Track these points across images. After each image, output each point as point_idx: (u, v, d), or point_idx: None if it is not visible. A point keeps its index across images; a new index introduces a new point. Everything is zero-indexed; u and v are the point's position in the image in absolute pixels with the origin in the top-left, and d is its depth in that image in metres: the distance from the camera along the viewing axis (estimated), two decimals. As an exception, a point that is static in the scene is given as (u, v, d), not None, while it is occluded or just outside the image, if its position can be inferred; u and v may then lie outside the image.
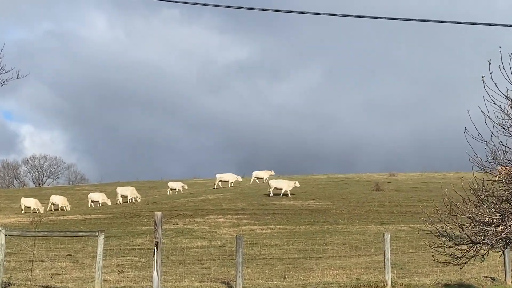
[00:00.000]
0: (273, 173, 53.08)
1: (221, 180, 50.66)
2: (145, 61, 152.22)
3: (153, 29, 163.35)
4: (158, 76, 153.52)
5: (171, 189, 52.18)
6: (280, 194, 40.88)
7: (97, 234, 13.84)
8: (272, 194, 40.75)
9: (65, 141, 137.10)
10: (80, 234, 19.28)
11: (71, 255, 21.13)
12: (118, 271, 17.88)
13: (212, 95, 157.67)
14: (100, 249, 13.38)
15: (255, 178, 52.40)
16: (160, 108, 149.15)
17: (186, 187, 52.40)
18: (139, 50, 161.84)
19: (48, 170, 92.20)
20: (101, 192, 49.89)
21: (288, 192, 41.28)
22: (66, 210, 44.29)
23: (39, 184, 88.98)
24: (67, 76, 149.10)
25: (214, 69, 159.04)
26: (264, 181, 51.85)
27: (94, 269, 14.24)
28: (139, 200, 46.07)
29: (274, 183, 41.89)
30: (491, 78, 9.33)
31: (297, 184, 42.68)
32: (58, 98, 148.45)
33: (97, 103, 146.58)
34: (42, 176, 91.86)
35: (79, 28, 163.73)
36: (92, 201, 46.32)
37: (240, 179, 51.68)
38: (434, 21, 10.58)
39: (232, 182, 50.65)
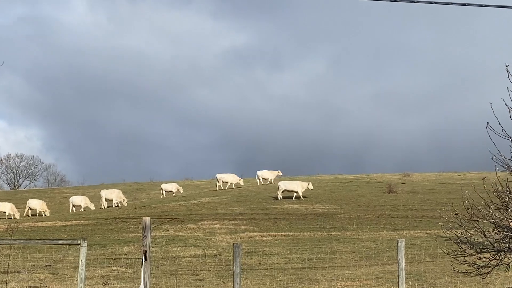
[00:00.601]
0: (280, 173, 53.20)
1: (222, 181, 50.72)
2: (131, 49, 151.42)
3: (139, 14, 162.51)
4: (145, 66, 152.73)
5: (165, 191, 52.26)
6: (293, 197, 40.89)
7: (79, 242, 13.81)
8: (281, 197, 40.77)
9: (42, 138, 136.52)
10: (61, 242, 19.23)
11: (50, 265, 21.12)
12: (103, 283, 17.88)
13: (206, 87, 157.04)
14: (82, 258, 13.36)
15: (260, 179, 52.48)
16: (148, 101, 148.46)
17: (182, 191, 52.47)
18: (123, 37, 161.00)
19: (25, 171, 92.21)
20: (83, 195, 49.89)
21: (301, 195, 41.27)
22: (45, 215, 44.30)
23: (15, 186, 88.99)
24: (43, 66, 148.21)
25: (208, 58, 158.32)
26: (268, 182, 51.98)
27: (76, 281, 14.22)
28: (125, 204, 46.11)
29: (284, 185, 41.77)
30: (516, 67, 9.29)
31: (310, 186, 42.64)
32: (34, 90, 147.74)
33: (78, 96, 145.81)
34: (18, 178, 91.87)
35: (56, 12, 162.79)
36: (74, 206, 46.31)
37: (242, 182, 51.79)
38: (452, 3, 10.55)
39: (232, 184, 50.68)
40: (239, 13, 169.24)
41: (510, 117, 9.60)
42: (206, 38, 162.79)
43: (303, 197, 40.97)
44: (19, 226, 31.50)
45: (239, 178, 51.83)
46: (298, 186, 41.80)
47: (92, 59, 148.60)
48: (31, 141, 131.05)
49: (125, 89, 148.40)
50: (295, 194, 41.35)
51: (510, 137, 9.73)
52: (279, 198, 40.69)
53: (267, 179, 52.70)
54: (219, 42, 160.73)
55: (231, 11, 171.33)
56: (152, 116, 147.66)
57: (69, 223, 35.43)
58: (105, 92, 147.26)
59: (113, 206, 45.83)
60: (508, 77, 9.32)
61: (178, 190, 52.49)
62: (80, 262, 13.35)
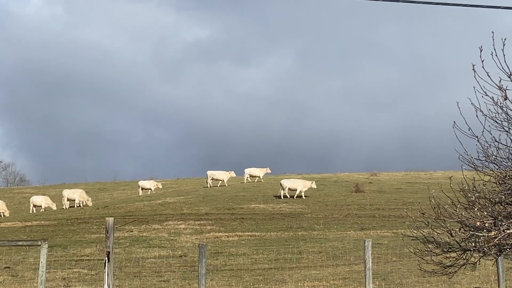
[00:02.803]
0: (269, 170, 53.32)
1: (212, 178, 50.49)
2: (89, 42, 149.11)
3: (98, 5, 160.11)
4: (105, 60, 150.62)
5: (142, 188, 51.92)
6: (294, 195, 40.91)
7: (39, 243, 13.64)
8: (283, 196, 40.78)
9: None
10: (20, 243, 19.00)
11: (9, 267, 20.82)
12: (64, 285, 17.69)
13: (169, 83, 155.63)
14: (43, 260, 13.20)
15: (248, 176, 52.44)
16: (108, 97, 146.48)
17: (161, 186, 52.15)
18: (81, 30, 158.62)
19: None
20: (44, 195, 49.28)
21: (302, 194, 41.30)
22: (4, 216, 43.63)
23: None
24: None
25: (170, 52, 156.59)
26: (257, 180, 52.00)
27: (36, 283, 14.05)
28: (90, 204, 45.70)
29: (287, 183, 41.73)
30: (483, 67, 9.40)
31: (314, 185, 42.67)
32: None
33: (34, 92, 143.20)
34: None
35: (10, 3, 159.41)
36: (34, 206, 45.73)
37: (233, 174, 51.60)
38: (422, 2, 10.66)
39: (225, 180, 50.41)
40: (203, 6, 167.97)
41: (476, 116, 9.72)
42: (169, 32, 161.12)
43: (305, 196, 41.01)
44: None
45: (229, 172, 51.42)
46: (300, 185, 41.78)
47: (48, 53, 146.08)
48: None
49: (84, 85, 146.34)
50: (296, 193, 41.30)
51: (477, 137, 9.85)
52: (282, 197, 40.68)
53: (256, 176, 52.66)
54: (182, 36, 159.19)
55: (194, 3, 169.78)
56: (112, 113, 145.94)
57: (29, 223, 34.96)
58: (63, 88, 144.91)
59: (75, 206, 45.35)
60: (475, 76, 9.43)
61: (156, 186, 52.17)
62: (40, 264, 13.18)
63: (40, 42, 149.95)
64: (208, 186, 50.07)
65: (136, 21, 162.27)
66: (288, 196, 40.99)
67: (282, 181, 42.49)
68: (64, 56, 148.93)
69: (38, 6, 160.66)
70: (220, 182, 50.56)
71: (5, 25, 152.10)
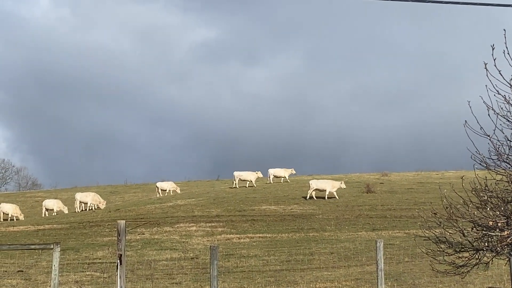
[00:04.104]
0: (294, 171, 53.21)
1: (239, 179, 50.54)
2: (97, 44, 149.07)
3: (104, 8, 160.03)
4: (112, 62, 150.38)
5: (161, 190, 52.02)
6: (325, 196, 40.86)
7: (52, 246, 13.67)
8: (309, 197, 40.72)
9: (7, 140, 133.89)
10: (33, 247, 19.02)
11: (22, 271, 20.88)
12: (77, 288, 17.73)
13: (176, 84, 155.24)
14: (55, 263, 13.22)
15: (273, 177, 52.40)
16: (116, 99, 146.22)
17: (179, 191, 52.16)
18: (88, 32, 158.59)
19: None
20: (56, 199, 49.49)
21: (335, 194, 41.21)
22: (17, 219, 43.82)
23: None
24: (5, 63, 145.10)
25: (177, 53, 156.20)
26: (282, 180, 51.98)
27: (49, 286, 14.08)
28: (102, 207, 45.85)
29: (316, 184, 41.57)
30: (495, 65, 9.35)
31: (343, 185, 42.45)
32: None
33: (43, 95, 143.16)
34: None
35: (18, 6, 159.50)
36: (47, 209, 45.92)
37: (260, 175, 51.58)
38: (432, 1, 10.61)
39: (252, 181, 50.36)
40: (209, 6, 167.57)
41: (488, 115, 9.67)
42: (175, 33, 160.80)
43: (335, 196, 40.94)
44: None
45: (256, 173, 51.31)
46: (329, 185, 41.56)
47: (56, 56, 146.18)
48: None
49: (92, 87, 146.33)
50: (326, 193, 41.23)
51: (489, 136, 9.79)
52: (308, 198, 40.56)
53: (282, 177, 52.59)
54: (189, 37, 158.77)
55: (201, 3, 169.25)
56: (120, 115, 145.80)
57: (42, 227, 35.08)
58: (71, 90, 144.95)
59: (87, 210, 45.48)
60: (487, 75, 9.38)
61: (175, 190, 52.20)
62: (53, 267, 13.21)
63: (48, 45, 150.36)
64: (235, 186, 50.09)
65: (143, 23, 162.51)
66: (314, 198, 40.78)
67: (310, 182, 42.35)
68: (72, 59, 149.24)
69: (45, 9, 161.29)
70: (248, 182, 50.55)
71: (13, 28, 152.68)
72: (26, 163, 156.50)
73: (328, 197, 40.89)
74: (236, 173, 51.09)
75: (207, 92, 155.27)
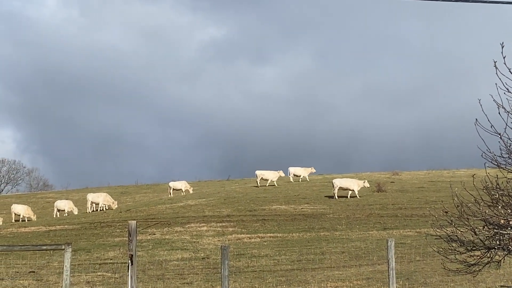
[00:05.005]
0: (313, 170, 53.28)
1: (261, 178, 50.62)
2: (105, 45, 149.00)
3: (112, 8, 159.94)
4: (121, 62, 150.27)
5: (174, 189, 52.11)
6: (348, 195, 40.82)
7: (63, 247, 13.73)
8: (336, 196, 40.70)
9: (16, 140, 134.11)
10: (44, 247, 19.11)
11: (34, 271, 20.97)
12: (88, 288, 17.79)
13: (185, 83, 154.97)
14: (67, 264, 13.28)
15: (293, 176, 52.43)
16: (125, 99, 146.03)
17: (191, 191, 52.20)
18: (97, 32, 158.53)
19: (7, 176, 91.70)
20: (67, 199, 49.72)
21: (356, 193, 41.14)
22: (30, 220, 44.02)
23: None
24: (14, 64, 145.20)
25: (186, 52, 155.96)
26: (301, 179, 51.98)
27: (61, 287, 14.14)
28: (114, 207, 46.03)
29: (340, 182, 41.57)
30: (505, 63, 9.33)
31: (367, 184, 42.45)
32: (5, 89, 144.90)
33: (52, 95, 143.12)
34: (0, 183, 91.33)
35: (25, 7, 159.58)
36: (58, 210, 46.14)
37: (282, 174, 51.65)
38: (439, -1, 10.58)
39: (274, 180, 50.34)
40: (218, 5, 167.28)
41: (498, 113, 9.64)
42: (184, 32, 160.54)
43: (359, 196, 40.84)
44: (1, 232, 31.29)
45: (278, 172, 51.25)
46: (354, 184, 41.50)
47: (65, 56, 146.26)
48: (5, 144, 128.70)
49: (101, 87, 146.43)
50: (350, 192, 41.10)
51: (499, 134, 9.77)
52: (335, 197, 40.57)
53: (300, 175, 52.60)
54: (198, 36, 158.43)
55: (209, 2, 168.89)
56: (129, 115, 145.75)
57: (53, 228, 35.23)
58: (80, 91, 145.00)
59: (99, 210, 45.66)
60: (496, 73, 9.36)
61: (187, 189, 52.26)
62: (64, 268, 13.27)
63: (57, 45, 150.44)
64: (258, 185, 50.11)
65: (151, 22, 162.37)
66: (337, 197, 40.74)
67: (334, 180, 42.35)
68: (81, 59, 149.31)
69: (53, 10, 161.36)
70: (269, 181, 50.56)
71: (21, 29, 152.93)
72: (35, 164, 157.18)
73: (350, 196, 40.78)
74: (258, 172, 51.10)
75: (216, 92, 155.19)
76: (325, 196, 41.68)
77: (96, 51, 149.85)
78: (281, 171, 51.75)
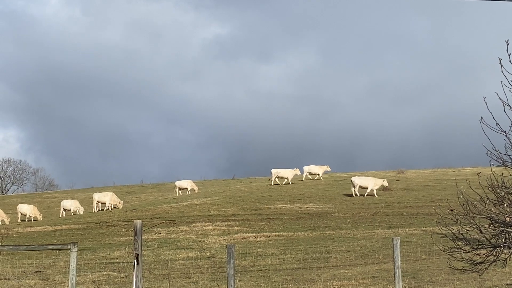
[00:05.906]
0: (329, 168, 53.19)
1: (277, 176, 50.51)
2: (109, 43, 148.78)
3: (114, 6, 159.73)
4: (125, 61, 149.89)
5: (179, 188, 52.14)
6: (365, 194, 40.80)
7: (69, 247, 13.76)
8: (355, 194, 40.73)
9: (20, 140, 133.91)
10: (50, 247, 19.15)
11: (40, 271, 21.02)
12: (94, 288, 17.83)
13: (190, 82, 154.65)
14: (73, 263, 13.31)
15: (308, 174, 52.31)
16: (129, 98, 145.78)
17: (197, 190, 52.16)
18: (100, 31, 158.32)
19: (12, 176, 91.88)
20: (73, 199, 49.83)
21: (375, 192, 41.13)
22: (36, 220, 44.13)
23: (2, 192, 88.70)
24: (17, 63, 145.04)
25: (190, 51, 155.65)
26: (317, 178, 51.85)
27: (67, 286, 14.17)
28: (121, 207, 46.13)
29: (359, 181, 41.58)
30: (510, 61, 9.31)
31: (385, 183, 42.38)
32: (8, 89, 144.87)
33: (56, 95, 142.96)
34: (6, 183, 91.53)
35: (29, 6, 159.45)
36: (64, 210, 46.25)
37: (298, 172, 51.40)
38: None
39: (289, 179, 50.18)
40: (221, 3, 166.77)
41: (504, 111, 9.62)
42: (187, 30, 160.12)
43: (377, 195, 40.86)
44: (7, 232, 31.37)
45: (295, 170, 51.04)
46: (371, 183, 41.45)
47: (69, 55, 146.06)
48: (9, 143, 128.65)
49: (105, 86, 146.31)
50: (367, 191, 41.09)
51: (505, 132, 9.74)
52: (354, 195, 40.55)
53: (317, 174, 52.48)
54: (201, 34, 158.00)
55: (213, 0, 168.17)
56: (134, 113, 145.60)
57: (59, 227, 35.31)
58: (84, 90, 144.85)
59: (104, 210, 45.75)
60: (502, 70, 9.33)
61: (193, 188, 52.24)
62: (70, 267, 13.29)
63: (60, 44, 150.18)
64: (272, 184, 50.05)
65: (155, 21, 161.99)
66: (358, 195, 40.71)
67: (352, 179, 42.34)
68: (84, 58, 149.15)
69: (56, 9, 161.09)
70: (285, 180, 50.44)
71: (25, 28, 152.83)
72: (40, 164, 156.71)
73: (367, 195, 40.71)
74: (274, 170, 50.95)
75: (220, 90, 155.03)
76: (344, 195, 41.57)
77: (100, 50, 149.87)
78: (297, 169, 51.50)
